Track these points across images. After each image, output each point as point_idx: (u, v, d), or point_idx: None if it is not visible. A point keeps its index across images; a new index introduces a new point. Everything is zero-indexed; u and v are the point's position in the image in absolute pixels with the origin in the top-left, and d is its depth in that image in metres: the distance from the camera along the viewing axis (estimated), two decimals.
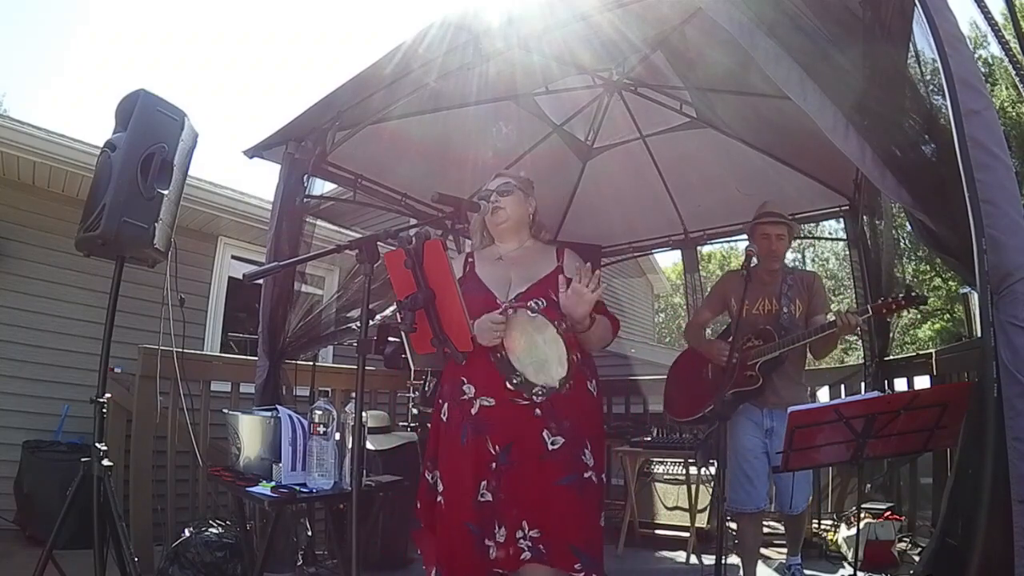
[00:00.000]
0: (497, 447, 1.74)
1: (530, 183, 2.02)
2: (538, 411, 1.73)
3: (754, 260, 2.60)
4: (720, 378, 2.60)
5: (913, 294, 2.28)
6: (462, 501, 1.74)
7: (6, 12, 24.16)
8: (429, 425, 2.04)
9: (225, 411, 2.67)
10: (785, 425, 2.42)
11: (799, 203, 3.94)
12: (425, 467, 1.92)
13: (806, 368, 3.77)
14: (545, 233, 2.06)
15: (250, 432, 2.45)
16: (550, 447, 1.72)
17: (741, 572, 2.57)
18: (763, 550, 3.37)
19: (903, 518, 3.28)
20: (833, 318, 2.41)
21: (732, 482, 2.48)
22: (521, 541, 1.69)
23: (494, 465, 1.73)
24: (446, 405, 1.86)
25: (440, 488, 1.80)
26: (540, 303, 1.77)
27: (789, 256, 2.81)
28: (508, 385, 1.71)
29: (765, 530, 3.64)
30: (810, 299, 2.59)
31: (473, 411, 1.78)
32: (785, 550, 3.33)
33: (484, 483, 1.73)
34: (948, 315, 16.44)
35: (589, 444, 1.76)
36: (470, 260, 1.98)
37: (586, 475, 1.73)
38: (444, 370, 1.93)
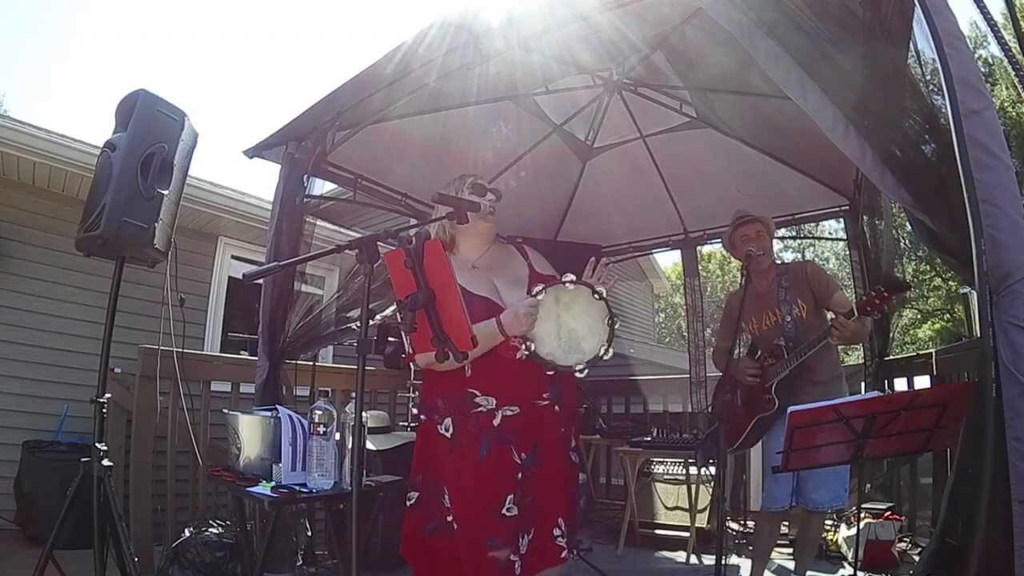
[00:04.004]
0: (523, 454, 1.73)
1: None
2: (557, 407, 1.79)
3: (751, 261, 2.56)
4: (748, 404, 2.55)
5: (895, 280, 2.22)
6: (483, 517, 1.69)
7: (6, 12, 24.18)
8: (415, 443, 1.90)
9: (225, 411, 2.67)
10: None
11: (799, 203, 3.95)
12: (412, 487, 1.82)
13: None
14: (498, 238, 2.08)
15: (250, 432, 2.45)
16: (562, 433, 1.82)
17: (749, 572, 2.55)
18: None
19: (903, 518, 3.28)
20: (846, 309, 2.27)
21: (763, 481, 2.47)
22: (559, 539, 1.73)
23: (520, 475, 1.72)
24: (448, 420, 1.76)
25: (448, 505, 1.73)
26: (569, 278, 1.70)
27: (789, 257, 2.79)
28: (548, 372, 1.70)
29: None
30: (813, 291, 2.47)
31: (495, 422, 1.73)
32: (785, 551, 3.35)
33: (511, 496, 1.69)
34: (948, 315, 16.45)
35: (571, 426, 1.90)
36: None
37: (570, 455, 1.87)
38: (435, 383, 1.81)
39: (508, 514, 1.68)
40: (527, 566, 1.69)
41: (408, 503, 1.82)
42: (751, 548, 2.58)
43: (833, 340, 2.25)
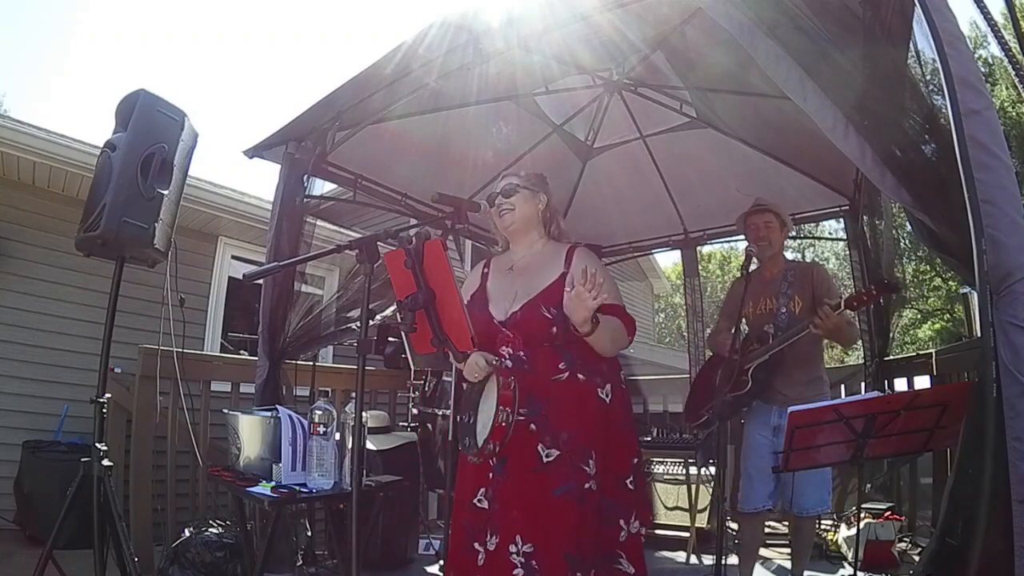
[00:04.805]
0: (494, 459, 1.74)
1: (540, 178, 1.98)
2: (532, 426, 1.71)
3: (754, 262, 2.60)
4: (724, 381, 2.60)
5: (885, 281, 2.27)
6: (464, 500, 1.81)
7: (6, 12, 24.18)
8: None
9: (225, 411, 2.68)
10: None
11: (799, 203, 3.94)
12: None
13: None
14: (556, 228, 1.98)
15: (250, 432, 2.45)
16: (544, 460, 1.69)
17: (739, 571, 2.57)
18: (761, 551, 3.37)
19: (903, 518, 3.28)
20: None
21: (739, 480, 2.48)
22: (514, 556, 1.65)
23: (491, 475, 1.76)
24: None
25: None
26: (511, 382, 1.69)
27: (789, 257, 2.79)
28: (459, 446, 1.75)
29: (765, 530, 3.64)
30: (813, 292, 2.51)
31: None
32: (784, 551, 3.35)
33: (483, 490, 1.77)
34: (948, 315, 16.44)
35: (594, 454, 1.71)
36: (485, 271, 1.98)
37: (587, 485, 1.68)
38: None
39: (479, 505, 1.76)
40: (487, 565, 1.70)
41: None
42: (736, 546, 2.61)
43: (815, 329, 2.26)
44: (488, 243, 4.17)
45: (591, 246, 1.84)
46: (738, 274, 2.77)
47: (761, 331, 2.54)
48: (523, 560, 1.64)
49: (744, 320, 2.72)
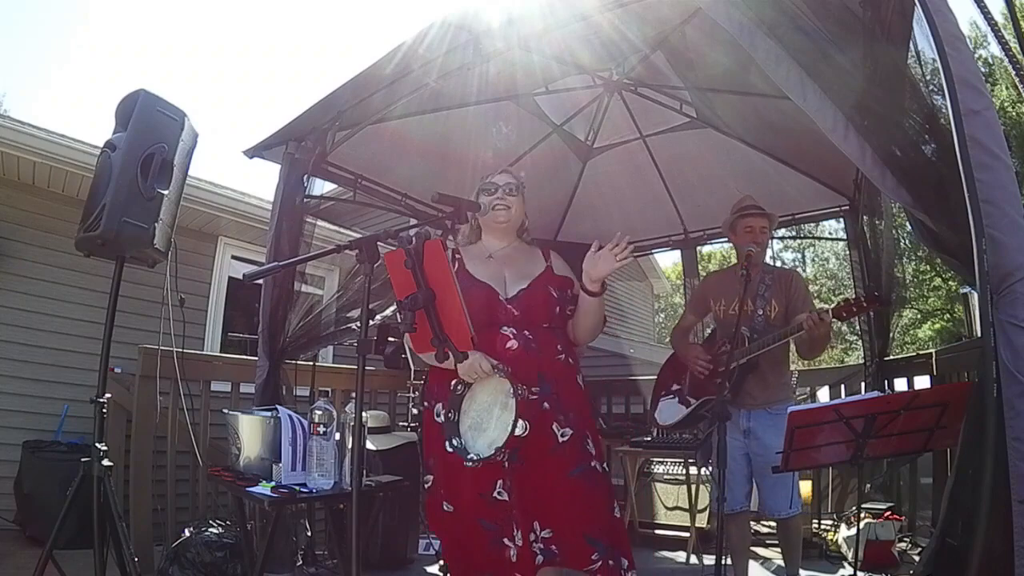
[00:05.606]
0: (503, 455, 1.73)
1: (524, 186, 2.05)
2: (546, 404, 1.75)
3: (731, 261, 2.61)
4: (695, 387, 2.62)
5: (876, 294, 2.28)
6: (472, 500, 1.74)
7: (6, 12, 24.18)
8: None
9: (225, 411, 2.67)
10: (763, 426, 2.41)
11: (799, 203, 3.95)
12: (427, 470, 1.92)
13: (808, 368, 3.74)
14: (527, 235, 2.08)
15: (250, 432, 2.45)
16: (560, 439, 1.74)
17: (734, 571, 2.58)
18: (759, 550, 3.38)
19: (903, 518, 3.28)
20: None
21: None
22: (534, 544, 1.68)
23: (507, 464, 1.72)
24: (439, 405, 1.84)
25: (443, 491, 1.81)
26: (523, 392, 1.67)
27: (789, 256, 2.80)
28: (447, 447, 1.68)
29: (763, 530, 3.65)
30: (789, 298, 2.52)
31: None
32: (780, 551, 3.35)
33: (500, 482, 1.72)
34: (948, 315, 16.44)
35: (589, 434, 1.81)
36: (457, 256, 1.97)
37: (592, 464, 1.77)
38: (432, 370, 1.91)
39: (499, 498, 1.71)
40: (520, 557, 1.69)
41: (425, 485, 1.90)
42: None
43: (808, 333, 2.25)
44: None
45: (586, 246, 1.85)
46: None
47: (736, 334, 2.51)
48: (542, 547, 1.69)
49: (715, 319, 2.74)
